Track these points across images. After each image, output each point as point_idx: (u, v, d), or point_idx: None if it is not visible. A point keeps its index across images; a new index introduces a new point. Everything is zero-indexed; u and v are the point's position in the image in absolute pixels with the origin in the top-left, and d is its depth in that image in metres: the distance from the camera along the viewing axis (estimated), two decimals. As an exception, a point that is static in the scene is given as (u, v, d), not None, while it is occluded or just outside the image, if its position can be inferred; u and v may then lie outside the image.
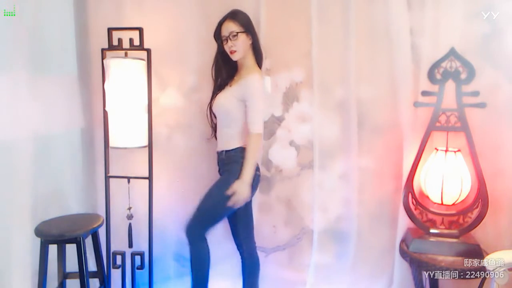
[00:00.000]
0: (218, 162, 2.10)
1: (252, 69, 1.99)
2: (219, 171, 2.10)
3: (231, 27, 1.94)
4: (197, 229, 1.95)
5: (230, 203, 1.86)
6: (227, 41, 1.95)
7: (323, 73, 2.25)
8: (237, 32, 1.93)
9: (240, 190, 1.86)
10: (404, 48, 2.11)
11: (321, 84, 2.26)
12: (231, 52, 1.96)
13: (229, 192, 1.86)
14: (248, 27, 1.97)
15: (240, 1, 2.15)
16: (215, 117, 2.10)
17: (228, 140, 2.01)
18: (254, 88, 1.92)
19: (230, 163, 1.99)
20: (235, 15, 1.96)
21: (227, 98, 1.98)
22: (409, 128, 2.15)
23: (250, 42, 1.99)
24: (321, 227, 2.35)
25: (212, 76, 2.10)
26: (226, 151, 2.00)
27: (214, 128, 2.15)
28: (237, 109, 1.95)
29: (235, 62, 2.03)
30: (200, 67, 2.29)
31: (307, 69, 2.26)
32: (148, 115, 2.18)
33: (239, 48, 1.95)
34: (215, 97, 2.05)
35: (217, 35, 2.01)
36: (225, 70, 2.07)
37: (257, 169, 2.00)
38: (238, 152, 1.98)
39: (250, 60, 2.03)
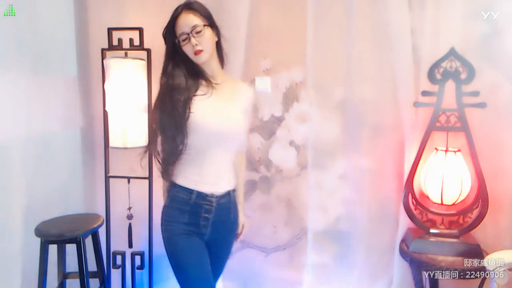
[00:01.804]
0: (206, 211, 1.52)
1: (224, 74, 1.63)
2: (206, 220, 1.53)
3: (192, 20, 1.47)
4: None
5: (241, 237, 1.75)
6: (188, 39, 1.47)
7: (323, 73, 2.24)
8: (204, 25, 1.48)
9: (245, 223, 1.75)
10: (404, 48, 2.10)
11: (321, 84, 2.25)
12: (196, 53, 1.47)
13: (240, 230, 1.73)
14: (211, 20, 1.53)
15: (238, 1, 2.14)
16: (186, 137, 1.46)
17: (226, 173, 1.57)
18: (252, 101, 1.69)
19: (232, 209, 1.61)
20: (192, 5, 1.51)
21: (236, 112, 1.55)
22: (409, 128, 2.15)
23: (216, 39, 1.55)
24: (321, 227, 2.34)
25: (165, 84, 1.51)
26: (232, 191, 1.60)
27: (177, 155, 1.48)
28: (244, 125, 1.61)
29: (191, 65, 1.53)
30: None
31: (307, 69, 2.26)
32: (148, 115, 2.17)
33: (206, 46, 1.48)
34: (191, 106, 1.46)
35: (170, 33, 1.51)
36: (187, 76, 1.52)
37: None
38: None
39: (217, 62, 1.59)
